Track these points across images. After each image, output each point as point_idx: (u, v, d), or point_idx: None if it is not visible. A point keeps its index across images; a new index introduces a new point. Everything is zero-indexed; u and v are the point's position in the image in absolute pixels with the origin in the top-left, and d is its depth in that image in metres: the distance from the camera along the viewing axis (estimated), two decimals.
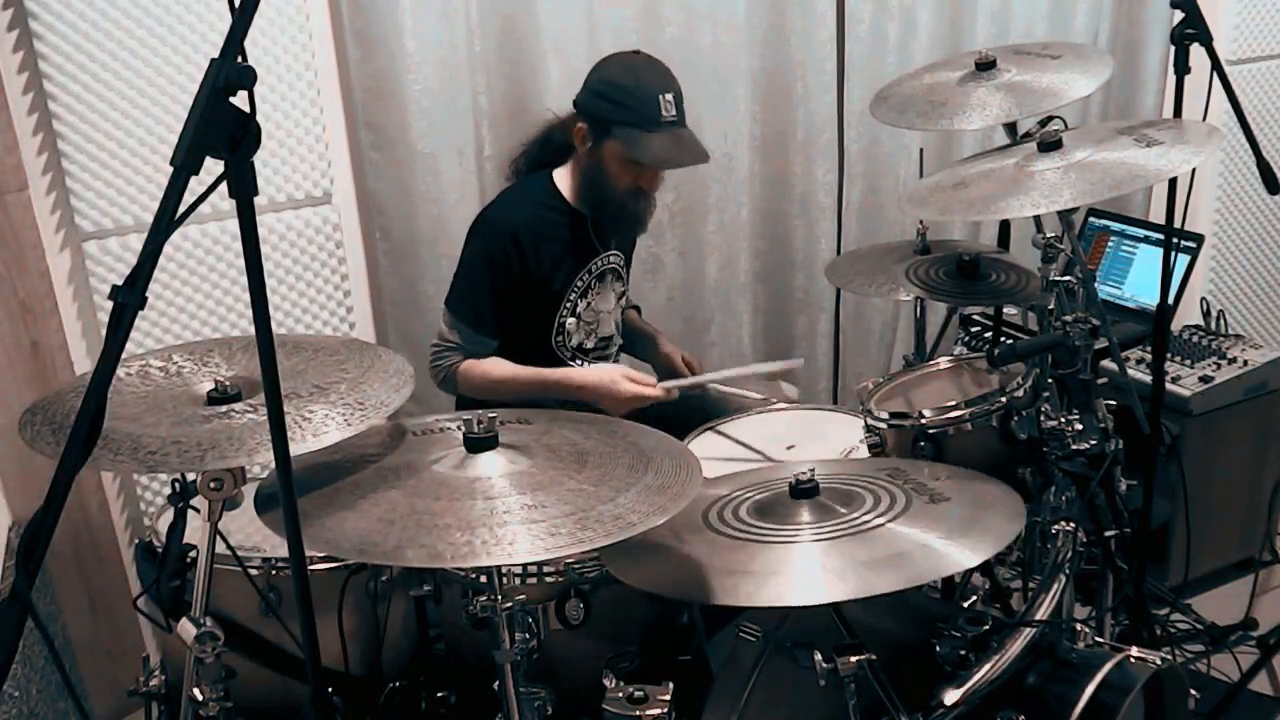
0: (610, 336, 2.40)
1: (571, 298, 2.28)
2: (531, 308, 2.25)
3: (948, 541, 1.47)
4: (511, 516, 1.34)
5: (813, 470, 1.62)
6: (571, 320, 2.29)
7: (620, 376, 2.15)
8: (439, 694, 1.90)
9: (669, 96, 2.13)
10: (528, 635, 1.56)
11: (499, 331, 2.23)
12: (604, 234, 2.31)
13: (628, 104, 2.11)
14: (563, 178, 2.27)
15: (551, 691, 1.57)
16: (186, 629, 1.46)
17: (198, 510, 1.49)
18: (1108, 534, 1.97)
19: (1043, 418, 1.95)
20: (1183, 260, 2.82)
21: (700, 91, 2.75)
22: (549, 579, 1.72)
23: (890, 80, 2.36)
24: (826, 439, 2.20)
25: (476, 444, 1.48)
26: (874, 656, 1.43)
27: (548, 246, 2.22)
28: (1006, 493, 1.65)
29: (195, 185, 1.02)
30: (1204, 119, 1.98)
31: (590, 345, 2.35)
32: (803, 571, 1.44)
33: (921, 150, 2.66)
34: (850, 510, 1.57)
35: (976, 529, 1.51)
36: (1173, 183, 2.04)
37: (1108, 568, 2.02)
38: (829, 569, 1.43)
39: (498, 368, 2.21)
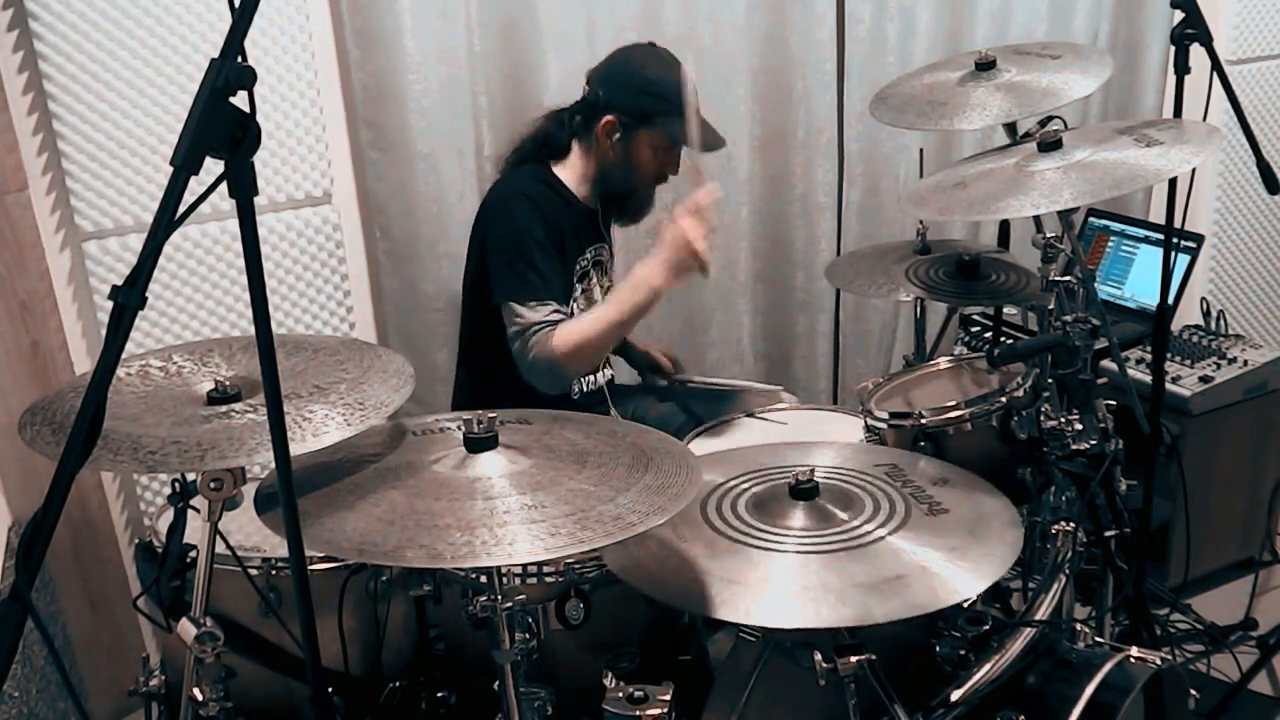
0: None
1: (573, 281, 2.29)
2: None
3: (947, 564, 1.46)
4: (511, 517, 1.33)
5: (812, 470, 1.62)
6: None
7: (656, 258, 2.11)
8: (439, 694, 1.90)
9: (690, 84, 2.21)
10: (528, 635, 1.55)
11: (564, 293, 2.19)
12: (609, 222, 2.32)
13: (665, 96, 2.18)
14: (565, 170, 2.29)
15: (551, 691, 1.57)
16: (186, 629, 1.46)
17: (198, 510, 1.49)
18: (1108, 534, 1.97)
19: (1043, 418, 1.95)
20: (1183, 260, 2.82)
21: (700, 91, 2.74)
22: (549, 579, 1.72)
23: (890, 80, 2.36)
24: (826, 439, 2.20)
25: (476, 444, 1.48)
26: (874, 656, 1.43)
27: (555, 225, 2.23)
28: (1004, 505, 1.63)
29: (195, 185, 1.02)
30: (1204, 119, 1.98)
31: None
32: (802, 589, 1.43)
33: (921, 150, 2.66)
34: (849, 516, 1.57)
35: (974, 551, 1.49)
36: (1173, 183, 2.05)
37: (1108, 568, 2.02)
38: (829, 588, 1.42)
39: (579, 319, 2.16)
